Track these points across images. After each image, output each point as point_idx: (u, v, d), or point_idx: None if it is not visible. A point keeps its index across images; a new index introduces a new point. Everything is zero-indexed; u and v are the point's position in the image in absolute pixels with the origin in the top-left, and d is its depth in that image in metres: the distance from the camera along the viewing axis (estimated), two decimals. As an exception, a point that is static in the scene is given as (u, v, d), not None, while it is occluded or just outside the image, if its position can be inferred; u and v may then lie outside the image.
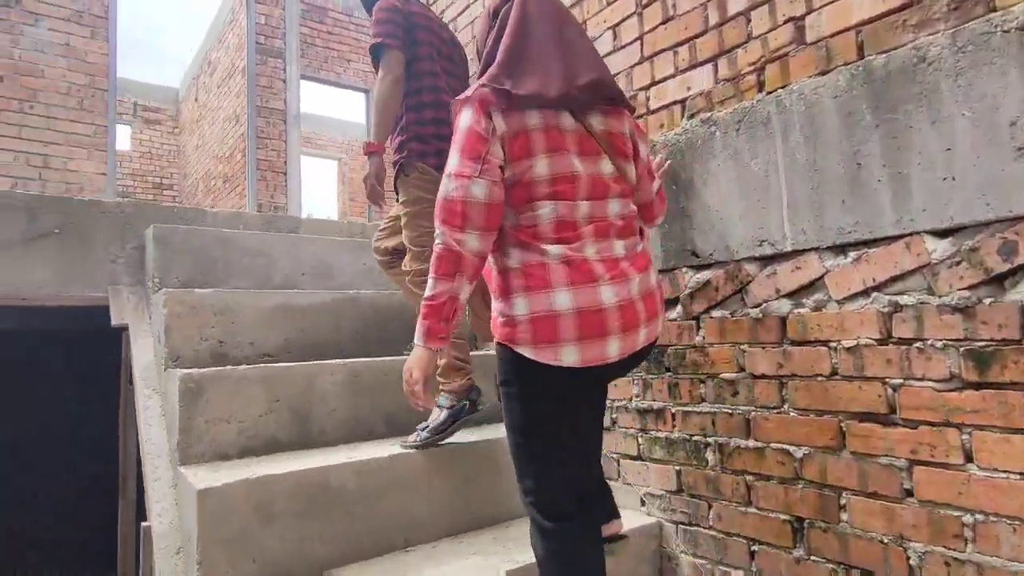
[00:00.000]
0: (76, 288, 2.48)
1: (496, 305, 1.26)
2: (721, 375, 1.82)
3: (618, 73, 2.17)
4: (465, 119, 1.23)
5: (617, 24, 2.18)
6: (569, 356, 1.16)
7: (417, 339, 1.25)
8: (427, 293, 1.23)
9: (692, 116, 1.93)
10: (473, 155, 1.19)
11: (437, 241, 1.22)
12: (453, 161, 1.22)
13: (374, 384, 2.14)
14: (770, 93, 1.71)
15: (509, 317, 1.21)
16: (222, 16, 7.44)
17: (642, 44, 2.09)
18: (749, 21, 1.77)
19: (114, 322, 2.38)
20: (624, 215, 1.30)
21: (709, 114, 1.86)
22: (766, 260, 1.71)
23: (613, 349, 1.20)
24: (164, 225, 2.47)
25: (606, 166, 1.28)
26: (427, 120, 2.09)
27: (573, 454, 1.29)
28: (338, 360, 2.13)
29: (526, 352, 1.18)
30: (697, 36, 1.91)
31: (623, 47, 2.16)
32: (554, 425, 1.24)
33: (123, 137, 9.66)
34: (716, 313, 1.83)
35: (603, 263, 1.21)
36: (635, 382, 2.07)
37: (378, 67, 2.06)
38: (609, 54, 2.21)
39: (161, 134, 9.94)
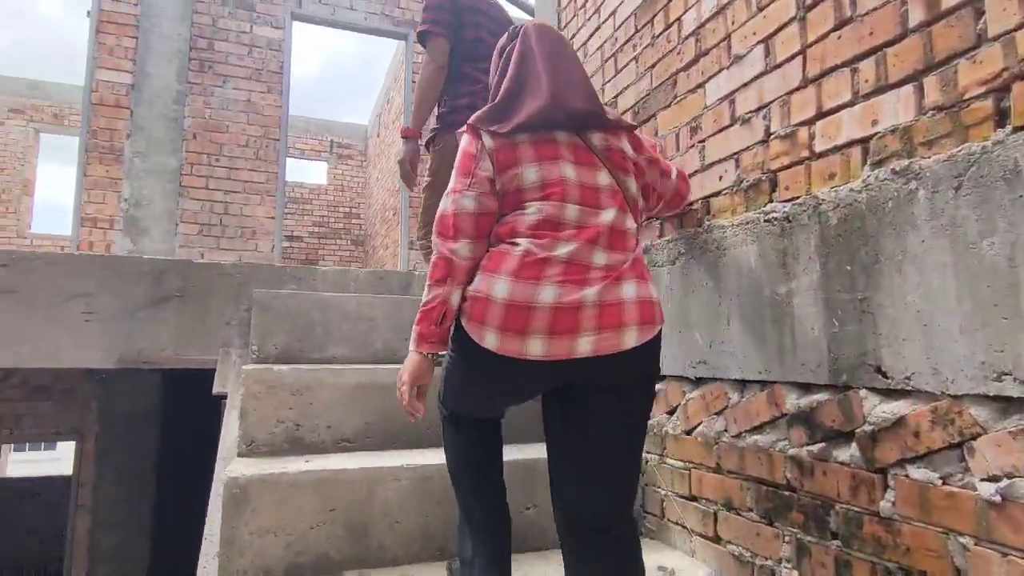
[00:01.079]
0: (193, 350, 2.50)
1: None
2: (921, 571, 1.15)
3: (770, 103, 1.58)
4: (461, 144, 1.32)
5: (770, 36, 1.59)
6: (490, 340, 1.18)
7: (411, 345, 1.32)
8: (422, 301, 1.29)
9: (879, 163, 1.28)
10: (464, 172, 1.28)
11: (433, 254, 1.29)
12: (451, 182, 1.31)
13: (448, 490, 1.79)
14: (1020, 130, 1.03)
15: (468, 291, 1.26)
16: (397, 55, 7.85)
17: (804, 60, 1.49)
18: (981, 15, 1.11)
19: (215, 389, 2.35)
20: (618, 227, 1.25)
21: (907, 161, 1.21)
22: (1010, 405, 1.03)
23: (534, 347, 1.16)
24: (265, 290, 2.40)
25: (603, 178, 1.28)
26: (463, 93, 2.18)
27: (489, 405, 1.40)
28: (405, 461, 1.83)
29: (463, 321, 1.24)
30: (889, 44, 1.28)
31: (777, 67, 1.57)
32: (466, 387, 1.34)
33: (321, 173, 10.75)
34: (916, 472, 1.17)
35: (566, 264, 1.19)
36: (786, 538, 1.46)
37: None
38: (757, 78, 1.62)
39: (351, 168, 10.87)
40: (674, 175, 1.63)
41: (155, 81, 4.62)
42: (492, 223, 1.28)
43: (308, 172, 13.12)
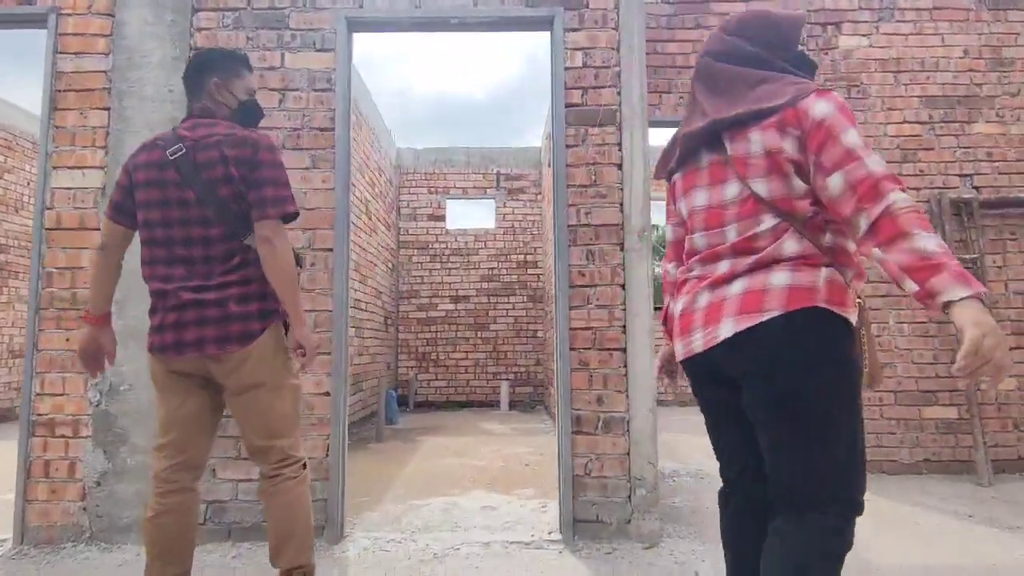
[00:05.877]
0: None
1: None
2: None
3: None
4: None
5: None
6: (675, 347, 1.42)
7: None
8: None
9: None
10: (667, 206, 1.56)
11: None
12: None
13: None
14: None
15: None
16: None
17: None
18: None
19: None
20: (745, 235, 1.28)
21: None
22: None
23: (678, 349, 1.37)
24: None
25: (731, 189, 1.30)
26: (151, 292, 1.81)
27: (714, 436, 1.46)
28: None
29: None
30: None
31: None
32: (699, 405, 1.47)
33: (488, 214, 8.78)
34: None
35: (697, 280, 1.35)
36: None
37: None
38: None
39: (523, 203, 8.71)
40: (836, 182, 1.17)
41: (135, 177, 2.77)
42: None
43: (471, 215, 11.23)
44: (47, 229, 2.77)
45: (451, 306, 8.60)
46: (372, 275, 7.09)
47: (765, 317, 1.19)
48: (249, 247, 1.75)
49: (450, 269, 8.64)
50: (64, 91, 2.82)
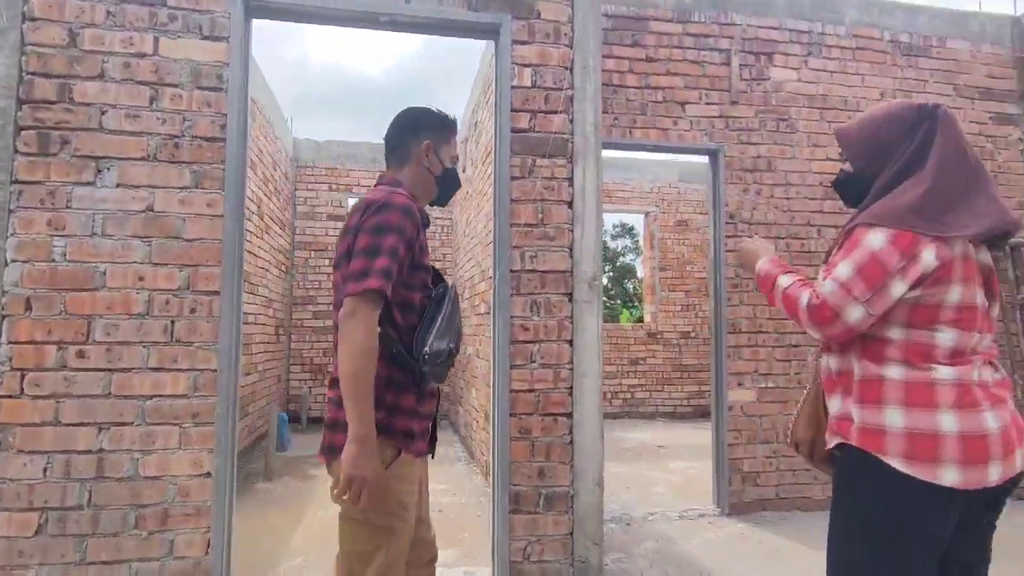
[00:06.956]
0: None
1: (853, 410, 1.29)
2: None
3: None
4: (875, 242, 1.24)
5: None
6: (949, 476, 1.18)
7: None
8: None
9: None
10: (871, 281, 1.23)
11: (809, 327, 1.32)
12: (845, 272, 1.24)
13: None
14: None
15: (877, 426, 1.24)
16: (487, 57, 4.98)
17: None
18: None
19: None
20: (991, 347, 1.31)
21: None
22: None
23: (994, 474, 1.20)
24: None
25: (980, 298, 1.29)
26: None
27: None
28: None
29: (896, 463, 1.20)
30: None
31: None
32: (906, 545, 1.24)
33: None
34: None
35: (981, 388, 1.24)
36: None
37: None
38: None
39: (437, 214, 8.22)
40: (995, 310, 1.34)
41: (-64, 187, 2.06)
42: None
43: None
44: None
45: (352, 314, 7.95)
46: (263, 283, 6.32)
47: None
48: None
49: (351, 274, 7.97)
50: None
